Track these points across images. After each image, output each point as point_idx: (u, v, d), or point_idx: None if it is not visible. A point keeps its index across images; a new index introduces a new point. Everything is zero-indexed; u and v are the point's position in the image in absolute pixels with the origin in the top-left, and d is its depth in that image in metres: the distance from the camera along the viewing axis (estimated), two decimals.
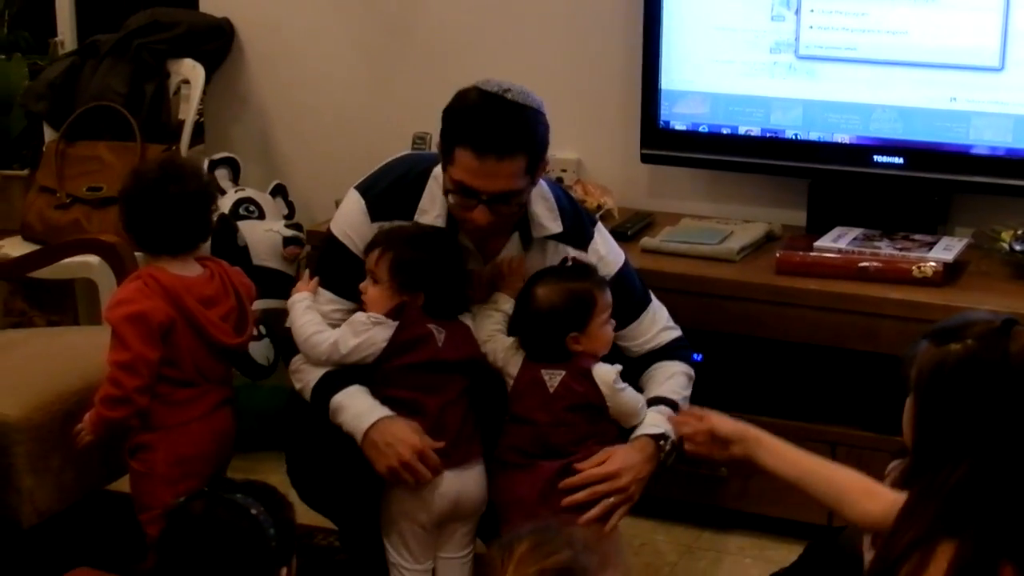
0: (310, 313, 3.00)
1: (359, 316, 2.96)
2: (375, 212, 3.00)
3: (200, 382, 3.08)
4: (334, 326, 2.99)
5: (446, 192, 2.91)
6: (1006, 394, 2.11)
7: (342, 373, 2.97)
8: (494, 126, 2.82)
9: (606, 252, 3.09)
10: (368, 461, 2.90)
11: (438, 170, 2.97)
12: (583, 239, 3.07)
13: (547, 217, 3.02)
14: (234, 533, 2.22)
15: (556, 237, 3.03)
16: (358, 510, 3.03)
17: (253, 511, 2.23)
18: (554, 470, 2.89)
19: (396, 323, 2.93)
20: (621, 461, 2.92)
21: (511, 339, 2.98)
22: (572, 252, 3.03)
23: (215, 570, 2.22)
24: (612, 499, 2.90)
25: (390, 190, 3.02)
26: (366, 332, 2.94)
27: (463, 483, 2.94)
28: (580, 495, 2.89)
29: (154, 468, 3.02)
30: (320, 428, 2.99)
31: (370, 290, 2.97)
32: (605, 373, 2.93)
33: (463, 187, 2.86)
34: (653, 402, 3.02)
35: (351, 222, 3.03)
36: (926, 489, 2.14)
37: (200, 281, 3.08)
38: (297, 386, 3.05)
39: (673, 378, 3.09)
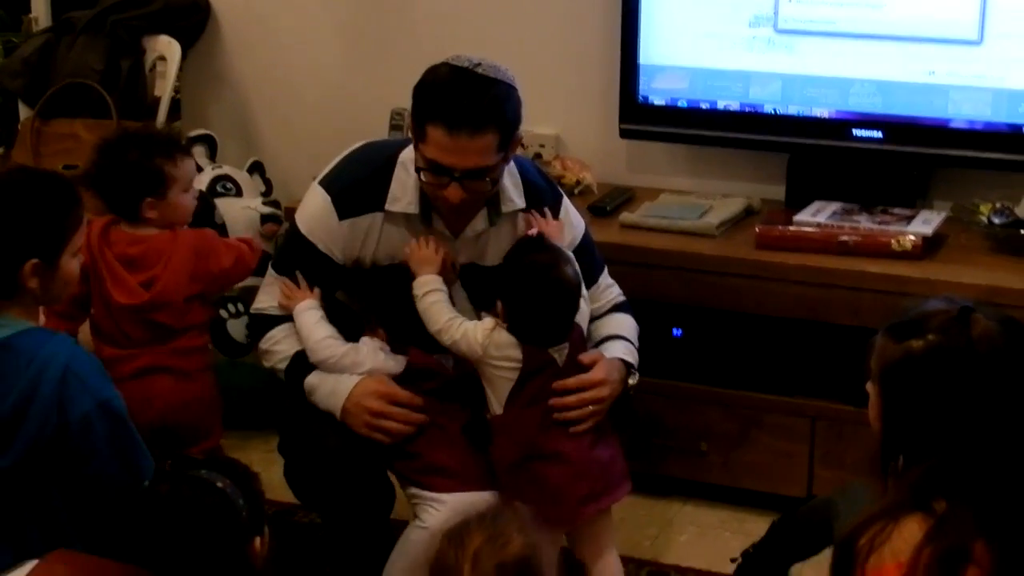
0: (323, 325, 3.00)
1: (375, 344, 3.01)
2: (342, 209, 2.98)
3: (123, 342, 3.14)
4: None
5: (418, 170, 2.88)
6: (975, 380, 2.11)
7: (303, 355, 3.01)
8: (465, 102, 2.80)
9: (570, 224, 3.13)
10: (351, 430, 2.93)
11: (405, 155, 2.97)
12: (555, 210, 3.09)
13: (513, 192, 3.02)
14: (203, 508, 2.23)
15: (524, 210, 3.04)
16: (357, 495, 3.01)
17: (219, 484, 2.24)
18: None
19: (406, 358, 2.98)
20: (605, 372, 2.99)
21: (490, 321, 2.93)
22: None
23: (189, 547, 2.21)
24: (591, 408, 2.94)
25: (356, 185, 2.99)
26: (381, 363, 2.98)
27: None
28: (570, 399, 2.93)
29: None
30: (306, 408, 3.00)
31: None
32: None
33: (435, 165, 2.84)
34: (614, 338, 3.12)
35: (318, 221, 3.00)
36: (895, 476, 2.14)
37: (135, 239, 3.15)
38: (266, 365, 3.08)
39: (627, 327, 3.17)
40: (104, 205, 3.19)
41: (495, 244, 3.05)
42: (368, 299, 3.14)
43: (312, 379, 2.98)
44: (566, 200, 3.17)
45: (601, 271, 3.19)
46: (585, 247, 3.15)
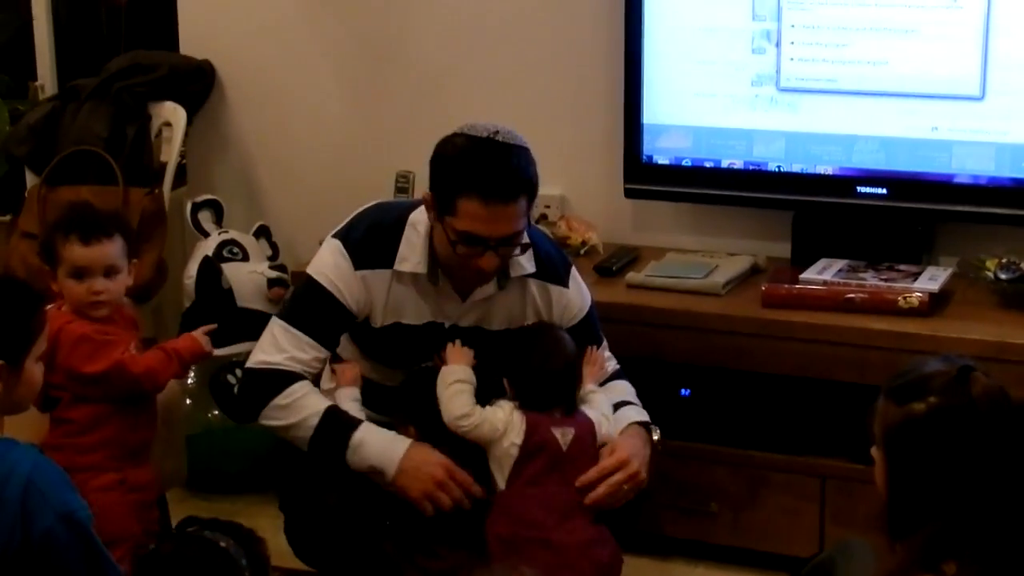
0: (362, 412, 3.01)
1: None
2: (357, 260, 3.00)
3: None
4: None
5: (452, 243, 2.89)
6: (978, 439, 2.10)
7: (342, 410, 2.98)
8: (497, 172, 2.84)
9: (579, 293, 3.16)
10: (398, 492, 2.92)
11: (415, 217, 2.99)
12: (561, 278, 3.12)
13: (523, 256, 3.03)
14: (206, 568, 2.20)
15: (533, 275, 3.07)
16: (357, 555, 3.00)
17: (222, 544, 2.21)
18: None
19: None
20: (628, 449, 2.99)
21: (507, 405, 2.97)
22: (553, 289, 3.09)
23: None
24: (626, 486, 2.96)
25: (368, 237, 3.02)
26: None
27: None
28: (600, 490, 2.93)
29: None
30: (317, 469, 2.99)
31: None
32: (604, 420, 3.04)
33: (470, 236, 2.86)
34: (619, 405, 3.12)
35: (335, 270, 3.01)
36: (904, 539, 2.12)
37: None
38: (280, 423, 3.00)
39: (629, 392, 3.19)
40: None
41: (502, 308, 3.06)
42: (367, 356, 3.13)
43: (361, 434, 2.94)
44: (574, 270, 3.19)
45: (601, 343, 3.20)
46: (590, 318, 3.18)
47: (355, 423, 2.96)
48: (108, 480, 2.97)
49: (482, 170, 2.84)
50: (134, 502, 3.06)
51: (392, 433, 2.98)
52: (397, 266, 2.99)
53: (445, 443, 2.97)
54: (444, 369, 2.99)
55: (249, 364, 3.07)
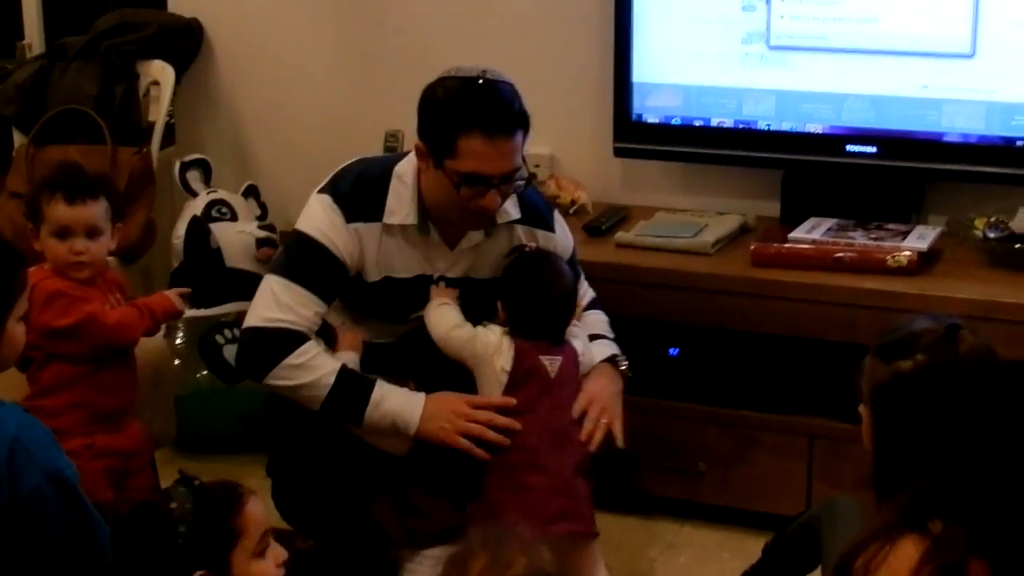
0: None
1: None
2: (349, 213, 2.97)
3: None
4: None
5: (456, 185, 2.87)
6: (964, 397, 2.10)
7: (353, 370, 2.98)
8: (496, 107, 2.85)
9: (564, 235, 3.19)
10: (429, 439, 2.94)
11: (400, 168, 2.98)
12: (547, 222, 3.14)
13: (508, 202, 3.03)
14: (139, 528, 2.25)
15: (519, 221, 3.07)
16: (344, 521, 3.01)
17: (173, 505, 2.22)
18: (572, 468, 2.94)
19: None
20: (596, 388, 3.04)
21: (498, 328, 2.99)
22: (540, 233, 3.10)
23: (131, 561, 2.24)
24: (603, 420, 3.00)
25: (356, 191, 2.99)
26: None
27: None
28: (584, 432, 2.98)
29: None
30: (306, 434, 2.99)
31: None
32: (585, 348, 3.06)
33: (473, 176, 2.85)
34: (593, 338, 3.15)
35: (329, 224, 2.97)
36: (890, 495, 2.13)
37: None
38: (290, 383, 2.94)
39: (601, 323, 3.23)
40: None
41: (490, 255, 3.07)
42: (358, 313, 3.12)
43: (381, 391, 2.94)
44: (557, 213, 3.22)
45: (580, 277, 3.24)
46: (573, 257, 3.23)
47: (372, 380, 2.96)
48: (74, 445, 2.91)
49: (482, 106, 2.84)
50: (102, 469, 3.03)
51: (404, 388, 2.98)
52: (386, 219, 2.97)
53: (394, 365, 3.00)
54: (430, 302, 3.02)
55: (252, 323, 2.99)
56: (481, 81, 2.86)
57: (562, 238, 3.17)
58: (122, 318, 3.08)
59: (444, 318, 3.00)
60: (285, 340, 2.94)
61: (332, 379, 2.93)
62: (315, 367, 2.93)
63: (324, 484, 2.95)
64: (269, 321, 2.95)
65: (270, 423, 3.13)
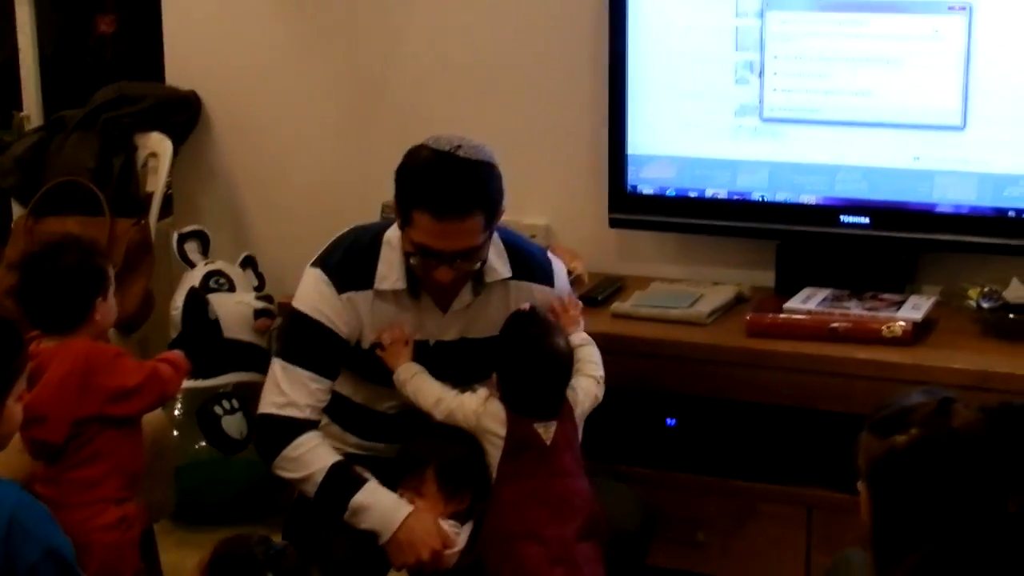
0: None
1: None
2: (340, 284, 3.00)
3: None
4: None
5: (407, 254, 2.91)
6: (959, 470, 2.12)
7: (350, 465, 2.98)
8: (450, 188, 2.84)
9: (563, 284, 3.20)
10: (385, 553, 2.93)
11: (389, 234, 3.01)
12: (545, 274, 3.14)
13: (497, 262, 3.04)
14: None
15: (512, 277, 3.07)
16: None
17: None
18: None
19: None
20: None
21: (482, 391, 2.99)
22: (536, 288, 3.09)
23: None
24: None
25: (346, 260, 3.02)
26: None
27: None
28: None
29: None
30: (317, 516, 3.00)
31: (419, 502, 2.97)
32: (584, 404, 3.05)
33: (424, 249, 2.88)
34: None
35: (320, 298, 3.00)
36: (889, 570, 2.14)
37: (35, 353, 2.92)
38: (288, 476, 3.00)
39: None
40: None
41: (483, 315, 3.07)
42: (364, 377, 3.13)
43: (361, 499, 2.93)
44: (556, 263, 3.21)
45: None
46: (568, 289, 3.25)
47: (359, 483, 2.95)
48: (111, 519, 2.93)
49: (437, 186, 2.84)
50: (135, 539, 3.04)
51: (394, 497, 2.96)
52: (377, 285, 3.00)
53: (454, 441, 2.98)
54: (397, 371, 3.01)
55: (260, 409, 3.05)
56: (447, 157, 2.86)
57: (563, 290, 3.17)
58: (164, 371, 3.08)
59: (421, 395, 2.99)
60: (284, 430, 2.99)
61: (321, 477, 2.96)
62: (309, 462, 2.97)
63: (341, 568, 2.94)
64: (275, 407, 3.01)
65: (294, 510, 3.13)
